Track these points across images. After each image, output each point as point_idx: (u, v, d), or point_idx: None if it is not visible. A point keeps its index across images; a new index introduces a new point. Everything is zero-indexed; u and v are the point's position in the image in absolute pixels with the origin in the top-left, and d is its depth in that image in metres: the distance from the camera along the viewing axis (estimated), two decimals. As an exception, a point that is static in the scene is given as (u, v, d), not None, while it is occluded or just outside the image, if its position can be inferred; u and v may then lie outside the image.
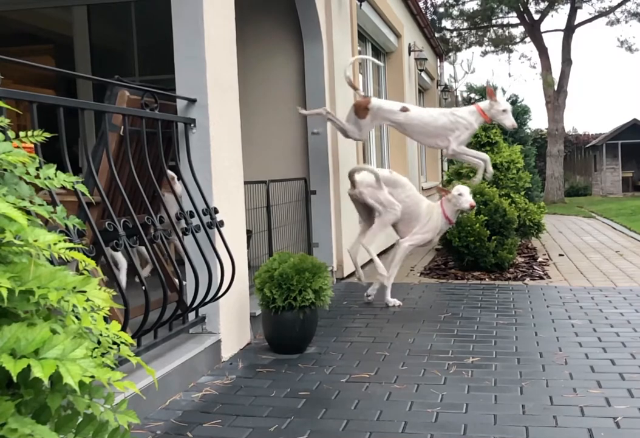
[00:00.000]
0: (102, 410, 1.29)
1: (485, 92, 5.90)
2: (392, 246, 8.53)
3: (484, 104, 5.62)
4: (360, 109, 5.55)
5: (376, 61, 6.19)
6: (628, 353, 3.68)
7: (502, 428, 2.66)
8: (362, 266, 7.04)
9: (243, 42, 5.88)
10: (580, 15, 33.94)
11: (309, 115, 5.81)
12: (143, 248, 3.51)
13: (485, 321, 4.54)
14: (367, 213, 5.25)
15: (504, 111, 5.50)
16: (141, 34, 7.64)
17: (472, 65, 49.01)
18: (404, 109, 5.60)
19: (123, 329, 2.15)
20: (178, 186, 3.81)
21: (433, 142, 5.73)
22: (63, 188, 1.55)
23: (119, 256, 4.27)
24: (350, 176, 5.13)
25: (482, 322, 4.52)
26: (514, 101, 10.33)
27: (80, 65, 7.58)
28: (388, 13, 8.95)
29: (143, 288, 2.94)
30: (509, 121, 5.54)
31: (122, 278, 4.26)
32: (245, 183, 4.28)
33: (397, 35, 10.02)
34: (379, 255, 7.73)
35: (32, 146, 1.82)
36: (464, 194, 5.16)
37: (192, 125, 3.63)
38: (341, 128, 5.69)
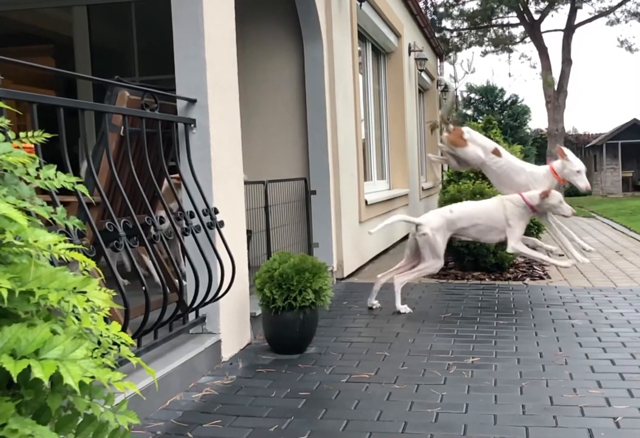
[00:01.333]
0: (103, 410, 1.29)
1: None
2: (391, 247, 8.56)
3: (557, 164, 5.37)
4: (458, 140, 5.42)
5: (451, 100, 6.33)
6: (628, 353, 3.68)
7: (502, 428, 2.66)
8: (362, 267, 7.06)
9: (243, 43, 5.88)
10: (580, 15, 33.94)
11: (436, 166, 6.23)
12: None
13: (485, 321, 4.54)
14: (417, 251, 5.11)
15: (578, 171, 5.25)
16: (141, 34, 7.65)
17: (472, 65, 49.03)
18: (496, 152, 5.44)
19: (123, 329, 2.14)
20: None
21: (506, 191, 5.52)
22: (63, 188, 1.55)
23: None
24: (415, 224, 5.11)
25: (482, 322, 4.52)
26: (513, 101, 10.33)
27: (80, 65, 7.58)
28: (388, 13, 8.95)
29: (143, 288, 2.94)
30: (583, 183, 5.27)
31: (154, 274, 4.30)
32: (245, 183, 4.28)
33: (397, 36, 10.01)
34: (380, 255, 7.76)
35: (32, 146, 1.82)
36: (563, 202, 5.20)
37: (192, 125, 3.63)
38: (456, 158, 5.57)
